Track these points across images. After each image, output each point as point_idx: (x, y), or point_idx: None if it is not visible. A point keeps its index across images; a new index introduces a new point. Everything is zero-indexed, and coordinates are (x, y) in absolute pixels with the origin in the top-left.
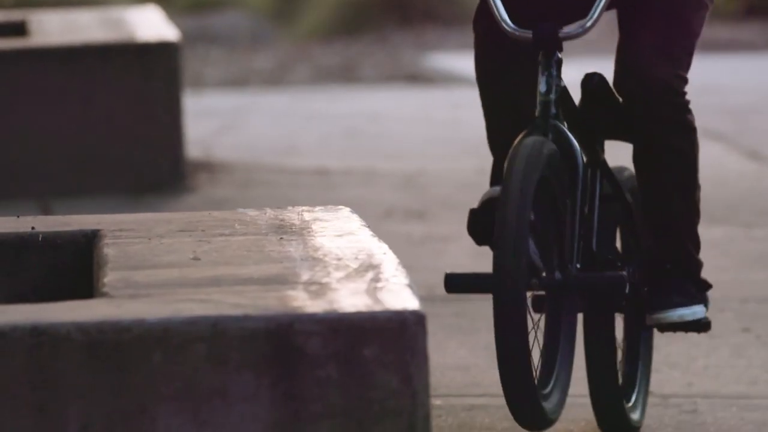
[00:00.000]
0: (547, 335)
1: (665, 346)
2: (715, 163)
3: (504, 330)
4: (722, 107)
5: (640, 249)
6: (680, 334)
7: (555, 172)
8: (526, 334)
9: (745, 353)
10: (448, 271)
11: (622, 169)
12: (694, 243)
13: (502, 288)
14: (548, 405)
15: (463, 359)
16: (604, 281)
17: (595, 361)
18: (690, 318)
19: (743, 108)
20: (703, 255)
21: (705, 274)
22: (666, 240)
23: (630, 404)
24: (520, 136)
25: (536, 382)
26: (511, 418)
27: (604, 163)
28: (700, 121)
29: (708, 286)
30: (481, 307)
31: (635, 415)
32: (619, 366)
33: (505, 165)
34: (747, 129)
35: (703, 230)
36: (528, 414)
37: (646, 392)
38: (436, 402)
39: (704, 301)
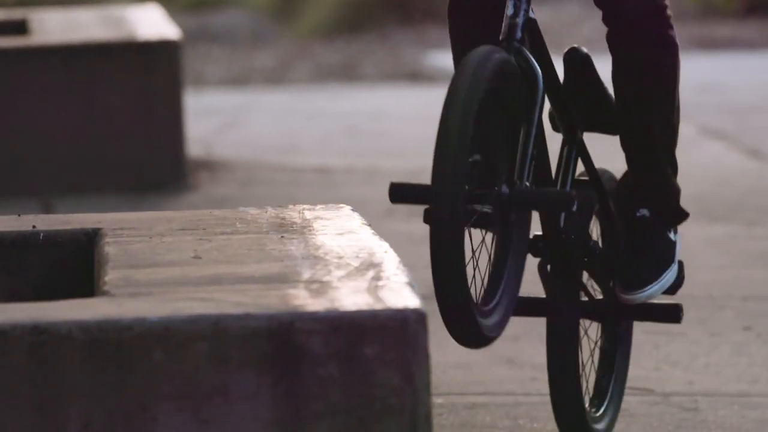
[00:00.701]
0: (495, 252)
1: (666, 345)
2: (715, 161)
3: (438, 243)
4: (723, 106)
5: (614, 238)
6: (681, 332)
7: (509, 85)
8: (461, 248)
9: (746, 351)
10: (394, 180)
11: (603, 172)
12: (672, 165)
13: (438, 198)
14: (487, 322)
15: (464, 357)
16: (550, 196)
17: (556, 365)
18: (659, 293)
19: (744, 106)
20: (703, 252)
21: (705, 272)
22: (644, 162)
23: (597, 414)
24: None
25: (479, 298)
26: (513, 416)
27: (582, 143)
28: (701, 119)
29: (685, 215)
30: None
31: (600, 426)
32: (592, 374)
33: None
34: (748, 127)
35: (704, 228)
36: (462, 329)
37: (617, 405)
38: (437, 400)
39: (677, 252)
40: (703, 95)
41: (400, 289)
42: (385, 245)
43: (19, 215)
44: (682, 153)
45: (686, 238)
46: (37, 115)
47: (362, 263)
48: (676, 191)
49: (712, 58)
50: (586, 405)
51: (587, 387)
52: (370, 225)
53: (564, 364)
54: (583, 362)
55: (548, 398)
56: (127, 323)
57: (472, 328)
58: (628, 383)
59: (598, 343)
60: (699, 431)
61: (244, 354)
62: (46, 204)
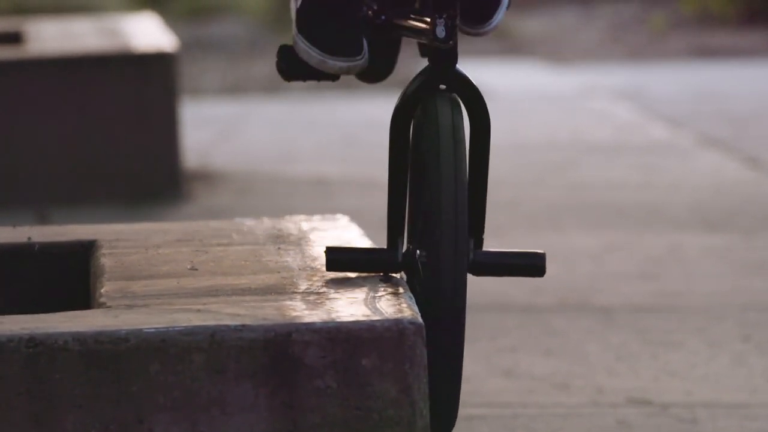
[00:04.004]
0: None
1: (664, 355)
2: (714, 170)
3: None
4: (722, 114)
5: None
6: (680, 342)
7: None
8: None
9: (746, 361)
10: (330, 245)
11: None
12: None
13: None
14: None
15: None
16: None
17: None
18: (504, 11)
19: (743, 115)
20: (702, 262)
21: (704, 282)
22: None
23: None
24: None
25: None
26: (510, 428)
27: None
28: (699, 128)
29: None
30: (481, 316)
31: None
32: None
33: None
34: (747, 136)
35: (702, 237)
36: None
37: None
38: None
39: None
40: (703, 103)
41: (398, 301)
42: None
43: (14, 226)
44: (680, 161)
45: (684, 247)
46: (33, 126)
47: (359, 274)
48: None
49: (711, 66)
50: None
51: None
52: (367, 235)
53: None
54: None
55: (547, 410)
56: (124, 335)
57: None
58: (626, 393)
59: None
60: None
61: (240, 365)
62: (42, 214)
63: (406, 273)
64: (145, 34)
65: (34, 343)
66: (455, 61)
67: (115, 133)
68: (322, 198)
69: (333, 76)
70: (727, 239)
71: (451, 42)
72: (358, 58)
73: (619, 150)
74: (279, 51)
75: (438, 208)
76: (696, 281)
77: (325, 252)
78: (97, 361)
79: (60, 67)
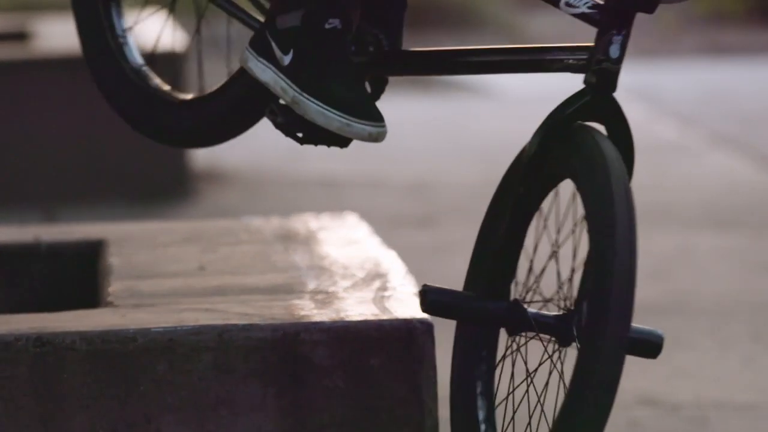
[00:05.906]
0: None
1: (674, 356)
2: (724, 169)
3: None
4: (733, 113)
5: None
6: (690, 343)
7: None
8: None
9: (756, 362)
10: (428, 284)
11: None
12: None
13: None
14: None
15: None
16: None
17: None
18: None
19: (754, 114)
20: (712, 262)
21: (714, 282)
22: None
23: None
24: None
25: None
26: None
27: None
28: (710, 127)
29: None
30: None
31: None
32: None
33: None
34: (757, 135)
35: (712, 237)
36: None
37: None
38: (444, 412)
39: None
40: (713, 102)
41: (407, 300)
42: (392, 255)
43: (21, 226)
44: (690, 161)
45: (694, 247)
46: (40, 124)
47: (368, 273)
48: None
49: (722, 65)
50: None
51: None
52: (376, 234)
53: None
54: None
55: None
56: (131, 334)
57: None
58: (637, 394)
59: None
60: None
61: (248, 365)
62: (49, 213)
63: (504, 327)
64: (153, 33)
65: (42, 342)
66: (615, 87)
67: (122, 132)
68: (330, 197)
69: (345, 141)
70: (737, 239)
71: (620, 64)
72: (383, 124)
73: None
74: (279, 107)
75: (606, 282)
76: (706, 281)
77: (421, 291)
78: (104, 360)
79: (67, 65)
